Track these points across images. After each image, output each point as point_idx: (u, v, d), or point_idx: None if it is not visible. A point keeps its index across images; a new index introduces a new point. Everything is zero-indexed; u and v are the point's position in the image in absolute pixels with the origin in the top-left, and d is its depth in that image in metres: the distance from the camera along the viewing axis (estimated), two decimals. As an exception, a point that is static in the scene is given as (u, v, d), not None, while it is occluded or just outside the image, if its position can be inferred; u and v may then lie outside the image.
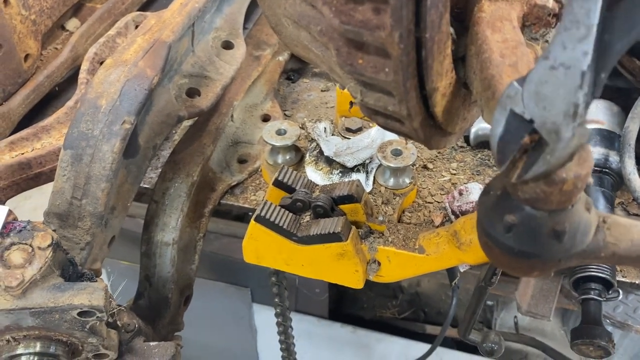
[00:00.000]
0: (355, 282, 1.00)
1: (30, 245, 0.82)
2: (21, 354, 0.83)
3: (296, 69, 1.47)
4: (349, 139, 1.12)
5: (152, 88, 0.91)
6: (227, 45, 1.16)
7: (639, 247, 0.50)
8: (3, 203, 1.13)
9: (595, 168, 1.05)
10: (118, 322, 0.91)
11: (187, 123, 1.24)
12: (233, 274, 2.03)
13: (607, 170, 1.05)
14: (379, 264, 1.01)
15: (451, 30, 0.56)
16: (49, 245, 0.82)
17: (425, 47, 0.45)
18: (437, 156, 1.25)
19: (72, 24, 1.42)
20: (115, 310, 0.89)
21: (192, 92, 1.07)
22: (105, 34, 1.14)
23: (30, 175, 1.10)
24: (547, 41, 0.63)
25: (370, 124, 1.18)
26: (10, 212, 0.84)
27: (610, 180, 1.05)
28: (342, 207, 1.01)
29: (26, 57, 1.26)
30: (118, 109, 0.88)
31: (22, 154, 1.11)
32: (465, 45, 0.57)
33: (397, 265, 1.00)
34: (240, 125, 1.24)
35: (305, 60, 0.63)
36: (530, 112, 0.42)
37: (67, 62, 1.32)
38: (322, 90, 1.41)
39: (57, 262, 0.84)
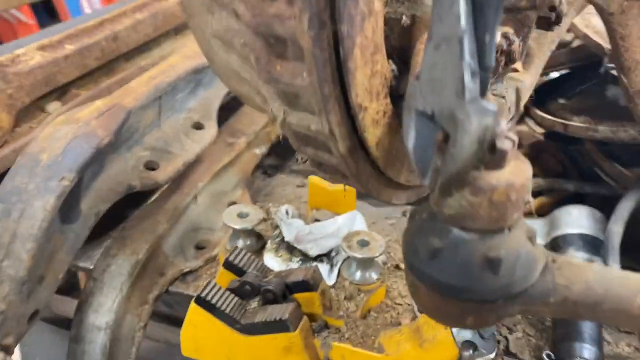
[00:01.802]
0: (303, 384, 0.87)
1: None
2: None
3: (274, 164, 1.44)
4: (311, 224, 1.04)
5: (100, 148, 0.86)
6: (198, 126, 1.14)
7: (595, 291, 0.41)
8: None
9: (580, 274, 0.96)
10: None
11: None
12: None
13: (592, 276, 0.95)
14: (333, 364, 0.88)
15: (392, 66, 0.51)
16: (-54, 303, 0.72)
17: (343, 46, 0.40)
18: (411, 257, 1.16)
19: (53, 106, 1.42)
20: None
21: (152, 165, 1.02)
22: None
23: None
24: (494, 90, 0.58)
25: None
26: None
27: (597, 288, 0.94)
28: (296, 295, 0.90)
29: (-4, 128, 1.23)
30: (59, 164, 0.83)
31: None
32: (406, 82, 0.52)
33: (353, 367, 0.87)
34: (203, 210, 1.17)
35: (241, 98, 0.59)
36: (430, 104, 0.36)
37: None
38: (297, 186, 1.36)
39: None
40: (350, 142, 0.46)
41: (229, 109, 1.34)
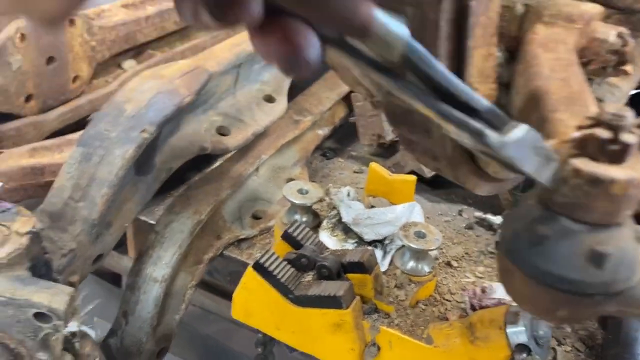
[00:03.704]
0: (348, 362, 0.88)
1: (9, 228, 0.75)
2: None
3: (333, 147, 1.45)
4: (373, 208, 1.05)
5: (181, 106, 0.89)
6: (269, 99, 1.16)
7: None
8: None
9: None
10: (77, 347, 0.81)
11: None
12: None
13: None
14: (379, 348, 0.89)
15: (498, 53, 0.51)
16: (27, 232, 0.75)
17: (467, 23, 0.40)
18: (463, 256, 1.15)
19: (129, 64, 1.46)
20: (77, 330, 0.79)
21: (223, 130, 1.04)
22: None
23: (40, 182, 1.07)
24: (592, 92, 0.57)
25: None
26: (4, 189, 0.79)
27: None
28: (350, 275, 0.91)
29: (75, 78, 1.28)
30: (142, 116, 0.86)
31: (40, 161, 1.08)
32: (512, 71, 0.52)
33: (398, 353, 0.87)
34: (263, 182, 1.19)
35: (335, 70, 0.59)
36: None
37: (111, 95, 1.34)
38: (354, 172, 1.37)
39: (30, 254, 0.77)
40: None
41: (299, 87, 1.36)
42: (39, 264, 0.79)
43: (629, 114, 0.36)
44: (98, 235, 0.89)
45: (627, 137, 0.35)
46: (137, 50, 1.49)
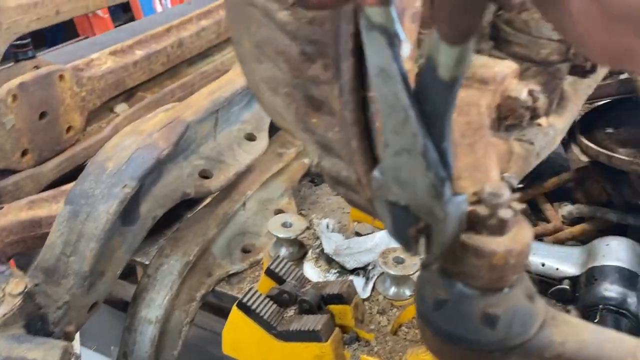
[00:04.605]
0: (331, 392, 0.92)
1: (3, 290, 0.81)
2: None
3: (321, 174, 1.49)
4: (351, 238, 1.09)
5: (160, 159, 0.94)
6: (250, 137, 1.21)
7: (588, 351, 0.44)
8: (8, 258, 1.16)
9: (612, 308, 0.97)
10: (77, 393, 0.87)
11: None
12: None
13: (624, 311, 0.96)
14: (361, 376, 0.93)
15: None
16: (19, 293, 0.81)
17: (371, 109, 0.45)
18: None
19: (120, 107, 1.53)
20: (75, 378, 0.85)
21: (206, 173, 1.10)
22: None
23: (38, 234, 1.13)
24: (523, 135, 0.61)
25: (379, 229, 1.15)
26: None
27: (628, 324, 0.95)
28: (331, 307, 0.96)
29: (69, 128, 1.35)
30: (123, 172, 0.91)
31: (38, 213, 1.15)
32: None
33: (379, 380, 0.92)
34: (251, 216, 1.24)
35: (284, 130, 0.64)
36: (402, 198, 0.40)
37: (106, 140, 1.40)
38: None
39: (24, 313, 0.83)
40: (376, 188, 0.51)
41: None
42: (34, 320, 0.85)
43: (505, 192, 0.40)
44: (91, 285, 0.95)
45: (503, 213, 0.39)
46: (128, 94, 1.55)
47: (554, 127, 0.68)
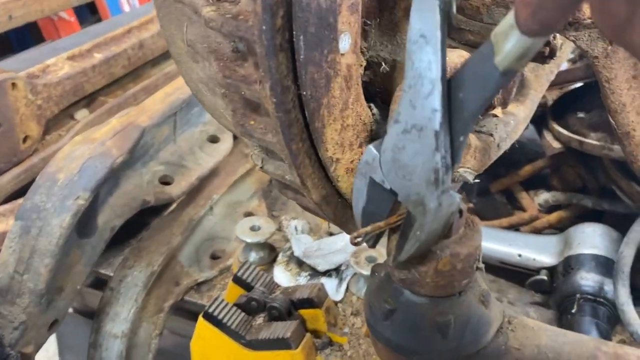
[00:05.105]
0: (304, 400, 0.89)
1: (-50, 315, 0.77)
2: None
3: (292, 172, 1.46)
4: (321, 239, 1.06)
5: (114, 167, 0.90)
6: (213, 139, 1.17)
7: (546, 356, 0.41)
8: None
9: (589, 297, 0.95)
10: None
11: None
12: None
13: (601, 299, 0.94)
14: (335, 381, 0.90)
15: (374, 110, 0.52)
16: (-32, 318, 0.77)
17: (308, 108, 0.41)
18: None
19: (81, 114, 1.48)
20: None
21: (167, 179, 1.05)
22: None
23: (-4, 251, 1.08)
24: (482, 127, 0.58)
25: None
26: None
27: (606, 312, 0.93)
28: (302, 312, 0.93)
29: (25, 138, 1.29)
30: (75, 183, 0.87)
31: (-5, 228, 1.10)
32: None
33: (354, 384, 0.89)
34: (219, 220, 1.20)
35: (230, 131, 0.60)
36: (391, 182, 0.37)
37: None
38: (314, 195, 1.38)
39: (-25, 337, 0.78)
40: (324, 190, 0.47)
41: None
42: (-13, 344, 0.80)
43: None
44: (49, 302, 0.91)
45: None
46: (89, 99, 1.50)
47: (515, 116, 0.65)
